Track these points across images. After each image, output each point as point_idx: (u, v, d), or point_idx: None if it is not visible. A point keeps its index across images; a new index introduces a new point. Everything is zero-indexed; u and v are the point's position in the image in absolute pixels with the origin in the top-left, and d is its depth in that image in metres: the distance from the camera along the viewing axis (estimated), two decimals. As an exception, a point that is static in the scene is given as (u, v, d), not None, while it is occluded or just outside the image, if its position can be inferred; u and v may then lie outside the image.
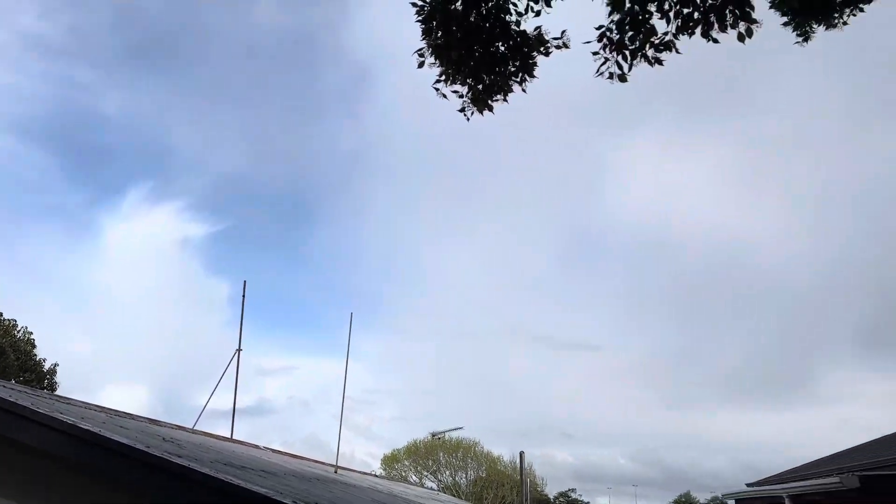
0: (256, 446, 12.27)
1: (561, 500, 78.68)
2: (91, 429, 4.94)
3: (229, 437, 12.32)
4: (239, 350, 13.83)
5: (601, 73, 5.88)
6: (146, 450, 4.78)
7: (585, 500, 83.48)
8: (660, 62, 5.81)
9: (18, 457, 5.28)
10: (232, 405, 14.33)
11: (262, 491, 4.68)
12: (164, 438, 6.69)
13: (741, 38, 5.62)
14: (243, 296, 14.77)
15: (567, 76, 6.17)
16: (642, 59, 5.78)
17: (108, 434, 4.94)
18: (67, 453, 4.96)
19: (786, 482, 18.48)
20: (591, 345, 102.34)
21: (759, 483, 21.03)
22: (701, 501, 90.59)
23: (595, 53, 5.89)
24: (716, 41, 5.65)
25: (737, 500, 20.62)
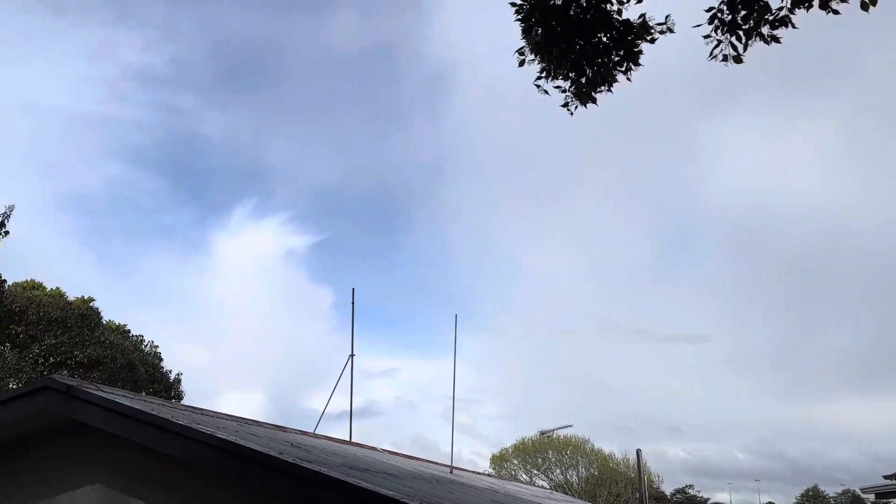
0: (374, 448, 12.55)
1: (678, 496, 76.42)
2: (228, 438, 5.17)
3: (348, 440, 12.66)
4: (352, 355, 14.20)
5: (714, 57, 5.64)
6: (280, 456, 4.97)
7: (704, 496, 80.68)
8: (776, 40, 5.51)
9: (162, 467, 5.60)
10: (346, 408, 14.74)
11: (389, 493, 4.77)
12: (292, 444, 6.94)
13: (864, 6, 5.22)
14: (352, 302, 15.14)
15: (655, 58, 5.95)
16: (757, 38, 5.50)
17: (244, 443, 5.16)
18: (207, 462, 5.22)
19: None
20: (695, 335, 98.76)
21: (898, 475, 19.65)
22: (830, 495, 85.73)
23: (706, 37, 5.66)
24: (836, 12, 5.31)
25: (876, 494, 19.35)
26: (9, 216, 18.17)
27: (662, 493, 59.44)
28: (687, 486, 79.71)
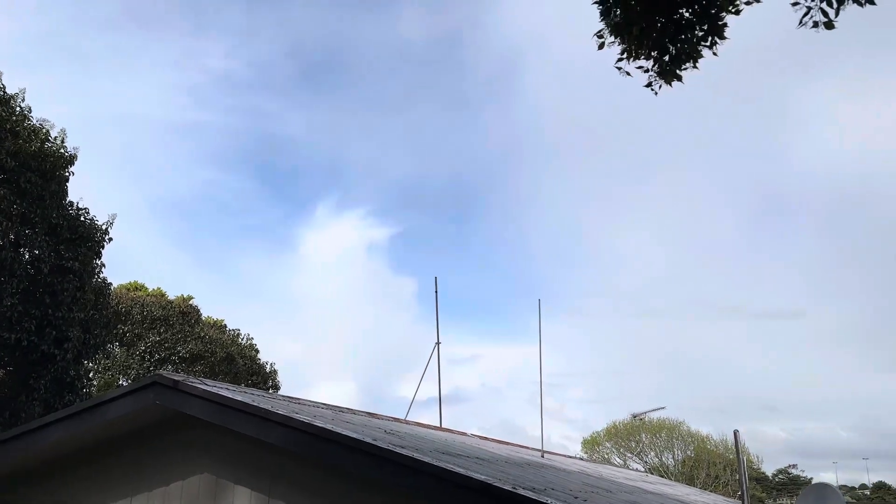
0: (465, 434, 12.70)
1: (781, 476, 73.77)
2: (325, 426, 5.37)
3: (438, 425, 12.85)
4: (438, 343, 14.37)
5: (804, 24, 5.37)
6: (374, 442, 5.12)
7: (808, 476, 77.57)
8: (871, 2, 5.20)
9: (266, 455, 5.86)
10: (435, 395, 14.99)
11: (482, 478, 4.83)
12: (385, 431, 7.12)
13: None
14: (436, 291, 15.31)
15: (740, 28, 5.71)
16: (850, 1, 5.21)
17: (340, 430, 5.35)
18: (305, 450, 5.43)
19: None
20: (790, 311, 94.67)
21: None
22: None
23: (795, 3, 5.40)
24: None
25: None
26: (112, 224, 19.28)
27: (763, 473, 57.55)
28: (790, 465, 76.78)
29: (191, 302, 31.31)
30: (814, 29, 5.36)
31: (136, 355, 28.42)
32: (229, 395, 5.90)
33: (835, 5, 5.29)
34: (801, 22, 5.38)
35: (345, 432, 5.27)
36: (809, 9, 5.36)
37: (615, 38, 5.92)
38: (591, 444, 52.79)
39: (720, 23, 5.69)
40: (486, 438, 13.64)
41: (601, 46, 5.99)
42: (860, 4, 5.24)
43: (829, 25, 5.35)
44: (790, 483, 74.16)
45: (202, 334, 29.85)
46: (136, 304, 29.58)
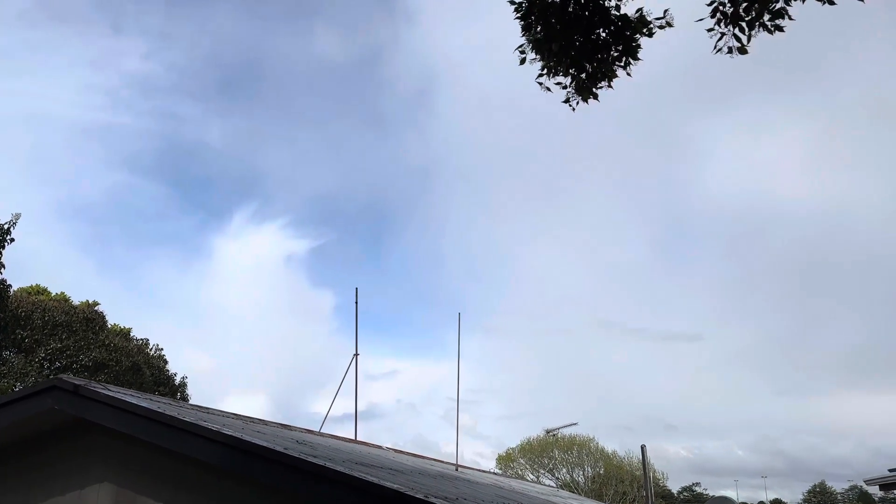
0: (380, 447, 12.60)
1: (685, 494, 76.33)
2: (234, 434, 5.22)
3: (353, 438, 12.70)
4: (356, 355, 14.22)
5: (719, 49, 5.67)
6: (285, 451, 5.01)
7: (711, 494, 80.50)
8: (780, 29, 5.54)
9: (170, 464, 5.65)
10: (350, 411, 14.70)
11: (395, 487, 4.80)
12: (297, 441, 6.99)
13: None
14: (356, 302, 15.15)
15: (653, 59, 6.01)
16: (761, 29, 5.54)
17: (249, 438, 5.21)
18: (214, 458, 5.26)
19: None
20: (691, 334, 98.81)
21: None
22: (837, 491, 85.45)
23: (710, 30, 5.70)
24: (832, 3, 5.35)
25: (881, 486, 19.33)
26: (14, 224, 18.30)
27: (669, 490, 59.40)
28: (693, 483, 79.64)
29: (96, 308, 29.92)
30: (728, 55, 5.67)
31: (35, 362, 26.88)
32: (133, 400, 5.67)
33: (746, 31, 5.61)
34: (715, 47, 5.69)
35: (255, 441, 5.15)
36: (723, 34, 5.67)
37: (536, 54, 6.09)
38: (505, 460, 53.24)
39: (634, 44, 5.95)
40: (400, 451, 13.57)
41: (522, 61, 6.16)
42: (769, 32, 5.58)
43: (743, 51, 5.67)
44: (694, 500, 76.84)
45: (107, 342, 28.53)
46: (37, 308, 28.01)
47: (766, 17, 5.49)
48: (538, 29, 5.81)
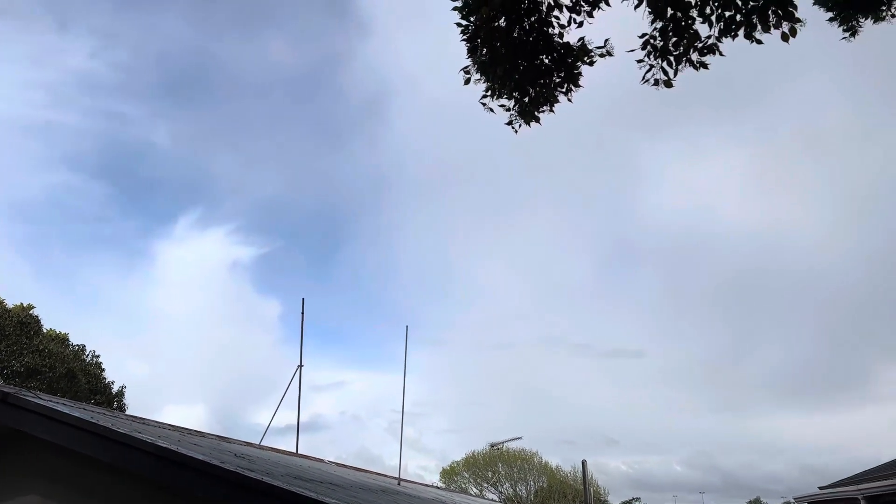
0: (321, 460, 12.51)
1: (625, 509, 77.26)
2: (169, 446, 5.16)
3: (295, 451, 12.59)
4: (300, 366, 14.12)
5: (647, 81, 5.93)
6: (221, 465, 4.97)
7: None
8: (705, 66, 5.82)
9: (102, 477, 5.54)
10: (292, 422, 14.59)
11: (333, 502, 4.82)
12: (235, 454, 6.92)
13: (785, 37, 5.59)
14: (302, 312, 15.07)
15: (593, 80, 6.25)
16: (687, 65, 5.81)
17: (185, 451, 5.16)
18: (148, 471, 5.18)
19: (859, 483, 17.93)
20: (633, 351, 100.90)
21: (832, 485, 20.41)
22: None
23: (640, 61, 5.95)
24: (759, 42, 5.64)
25: (809, 503, 20.05)
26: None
27: (609, 504, 60.06)
28: (633, 499, 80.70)
29: (31, 312, 28.93)
30: (655, 87, 5.93)
31: (-37, 368, 25.88)
32: (65, 410, 5.55)
33: (674, 66, 5.88)
34: (643, 79, 5.94)
35: (190, 454, 5.09)
36: (652, 66, 5.93)
37: (480, 75, 6.24)
38: (449, 473, 53.17)
39: (576, 71, 6.16)
40: (342, 465, 13.50)
41: (467, 82, 6.29)
42: (695, 68, 5.86)
43: (668, 84, 5.95)
44: (634, 514, 77.88)
45: (41, 347, 27.59)
46: (-34, 311, 26.98)
47: (694, 53, 5.77)
48: (484, 52, 5.95)
